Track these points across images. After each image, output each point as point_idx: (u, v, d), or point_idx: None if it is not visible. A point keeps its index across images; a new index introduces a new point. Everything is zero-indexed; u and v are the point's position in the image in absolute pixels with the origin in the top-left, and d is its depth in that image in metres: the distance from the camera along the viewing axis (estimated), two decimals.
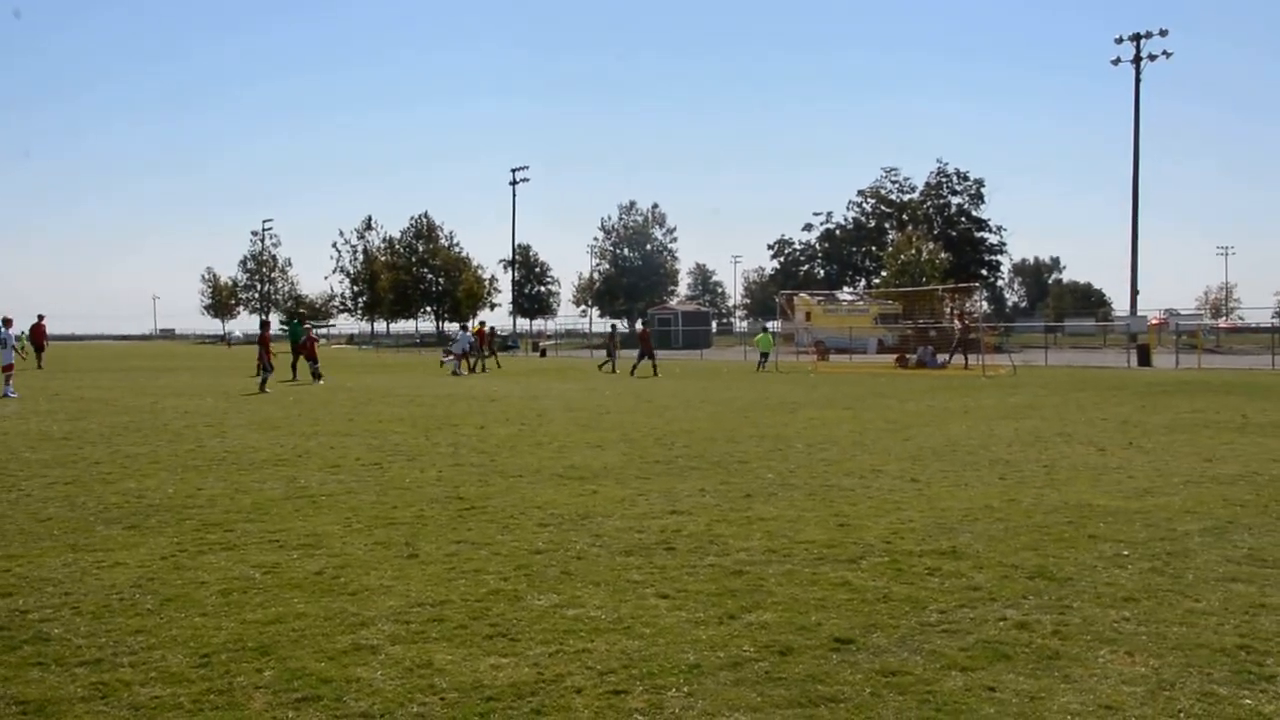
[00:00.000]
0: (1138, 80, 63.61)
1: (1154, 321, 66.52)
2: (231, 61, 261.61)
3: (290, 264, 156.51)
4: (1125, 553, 8.15)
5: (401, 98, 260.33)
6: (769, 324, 46.00)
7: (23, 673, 5.52)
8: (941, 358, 42.42)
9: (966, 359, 40.89)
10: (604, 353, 44.32)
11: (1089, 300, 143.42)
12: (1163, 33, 63.36)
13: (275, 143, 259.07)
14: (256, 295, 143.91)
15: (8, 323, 29.00)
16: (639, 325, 44.36)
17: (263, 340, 29.01)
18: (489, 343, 47.53)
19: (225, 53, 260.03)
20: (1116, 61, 64.53)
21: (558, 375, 39.87)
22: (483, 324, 49.50)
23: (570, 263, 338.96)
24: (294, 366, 35.35)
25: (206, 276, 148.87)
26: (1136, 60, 63.50)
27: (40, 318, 47.09)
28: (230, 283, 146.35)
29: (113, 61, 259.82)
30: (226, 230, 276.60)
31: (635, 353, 42.75)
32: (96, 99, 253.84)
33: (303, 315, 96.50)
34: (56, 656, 5.77)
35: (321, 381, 32.45)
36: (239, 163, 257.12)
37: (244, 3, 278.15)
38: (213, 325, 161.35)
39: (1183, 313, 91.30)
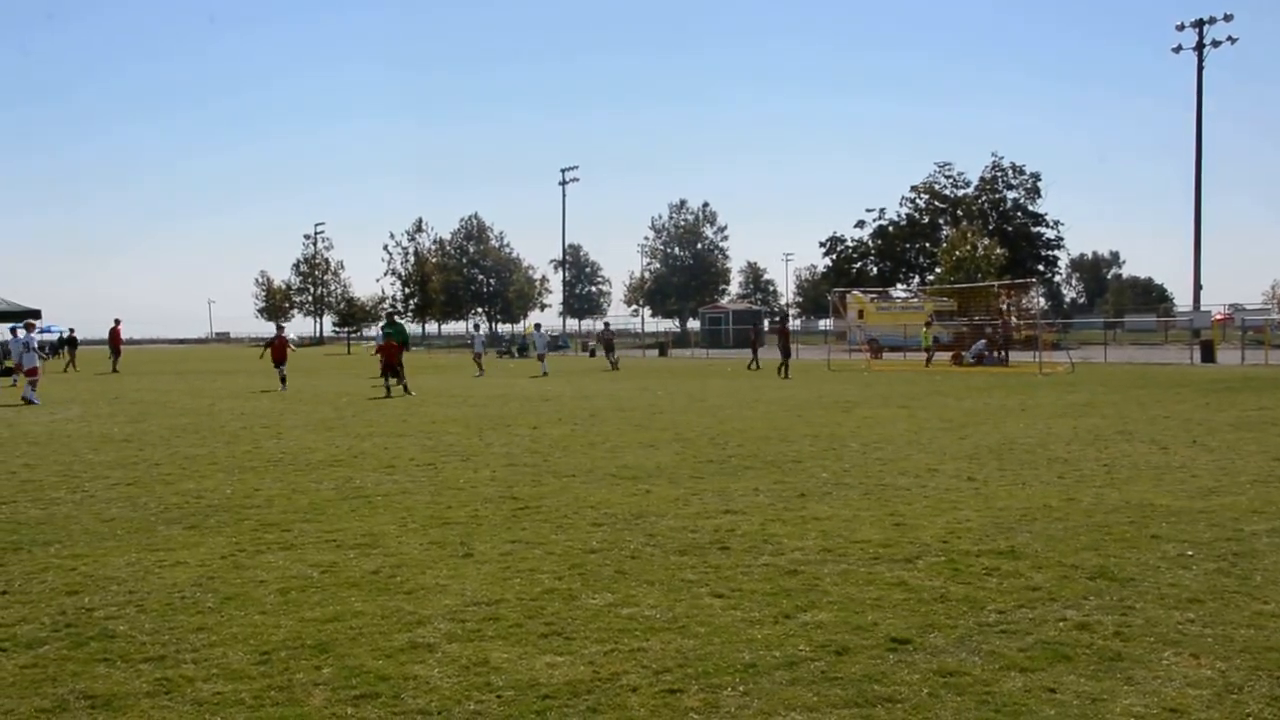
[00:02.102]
0: (1200, 69, 61.22)
1: (1218, 317, 65.05)
2: (291, 58, 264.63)
3: (343, 266, 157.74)
4: (1189, 553, 8.00)
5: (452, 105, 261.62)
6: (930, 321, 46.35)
7: (90, 668, 5.62)
8: (1000, 354, 42.16)
9: (1006, 356, 41.17)
10: (748, 351, 44.86)
11: (1149, 296, 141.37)
12: (1227, 18, 60.54)
13: (325, 142, 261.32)
14: (310, 298, 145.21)
15: (29, 327, 29.12)
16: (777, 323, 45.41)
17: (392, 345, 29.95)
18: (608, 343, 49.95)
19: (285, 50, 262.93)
20: (1178, 49, 61.99)
21: (665, 375, 39.86)
22: (607, 324, 60.11)
23: (620, 263, 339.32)
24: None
25: (260, 280, 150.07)
26: (1199, 47, 61.01)
27: (117, 321, 47.92)
28: (284, 286, 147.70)
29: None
30: (279, 232, 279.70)
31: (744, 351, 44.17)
32: (152, 96, 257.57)
33: (393, 315, 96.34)
34: (122, 653, 5.87)
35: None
36: (289, 160, 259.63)
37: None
38: (267, 328, 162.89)
39: (1248, 308, 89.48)
